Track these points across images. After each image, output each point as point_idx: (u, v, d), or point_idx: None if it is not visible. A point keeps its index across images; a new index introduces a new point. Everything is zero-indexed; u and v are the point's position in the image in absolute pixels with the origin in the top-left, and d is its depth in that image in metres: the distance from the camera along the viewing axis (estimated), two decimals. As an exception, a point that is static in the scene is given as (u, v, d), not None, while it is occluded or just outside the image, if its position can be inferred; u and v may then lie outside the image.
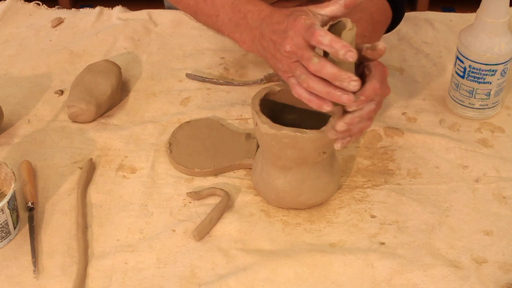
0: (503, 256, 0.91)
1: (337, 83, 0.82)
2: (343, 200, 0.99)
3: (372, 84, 0.86)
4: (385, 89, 0.90)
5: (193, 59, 1.27)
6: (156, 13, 1.39)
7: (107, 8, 1.42)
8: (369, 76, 0.87)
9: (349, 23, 0.83)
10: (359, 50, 0.87)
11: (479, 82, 1.08)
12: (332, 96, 0.84)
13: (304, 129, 0.88)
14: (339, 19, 0.86)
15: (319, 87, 0.84)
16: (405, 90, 1.19)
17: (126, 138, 1.10)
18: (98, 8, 1.41)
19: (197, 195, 0.98)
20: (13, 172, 0.94)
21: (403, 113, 1.14)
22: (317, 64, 0.82)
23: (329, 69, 0.82)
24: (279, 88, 0.96)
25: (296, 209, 0.97)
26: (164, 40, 1.32)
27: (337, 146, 0.89)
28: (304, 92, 0.86)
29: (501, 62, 1.05)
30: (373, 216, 0.96)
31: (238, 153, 1.04)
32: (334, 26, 0.87)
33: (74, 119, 1.12)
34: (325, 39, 0.81)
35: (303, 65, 0.85)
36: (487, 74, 1.06)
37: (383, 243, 0.92)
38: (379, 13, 1.08)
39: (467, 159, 1.05)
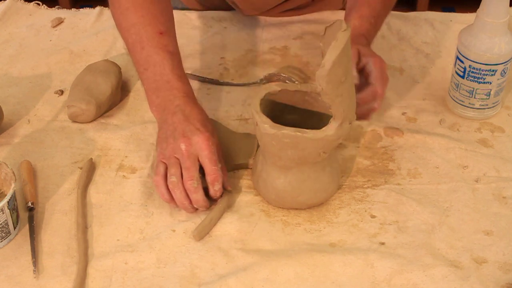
0: (503, 256, 0.91)
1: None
2: (343, 200, 0.99)
3: (373, 88, 0.97)
4: (384, 79, 0.99)
5: (193, 59, 1.27)
6: (156, 13, 1.39)
7: (107, 8, 1.41)
8: (370, 78, 0.93)
9: (343, 25, 0.83)
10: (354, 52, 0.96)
11: (479, 82, 1.08)
12: (184, 208, 0.94)
13: (305, 129, 0.88)
14: (335, 20, 0.86)
15: (178, 196, 0.93)
16: (405, 90, 1.19)
17: (126, 138, 1.10)
18: (98, 8, 1.41)
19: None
20: (13, 172, 0.94)
21: (403, 113, 1.14)
22: (192, 188, 0.92)
23: (198, 198, 0.93)
24: (279, 88, 0.96)
25: (296, 209, 0.97)
26: (164, 40, 1.32)
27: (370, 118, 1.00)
28: (164, 189, 0.94)
29: (501, 62, 1.05)
30: (373, 216, 0.96)
31: (238, 153, 1.04)
32: (330, 27, 0.87)
33: (74, 119, 1.12)
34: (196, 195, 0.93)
35: (180, 169, 0.93)
36: (487, 74, 1.06)
37: (383, 243, 0.92)
38: None
39: (467, 159, 1.05)
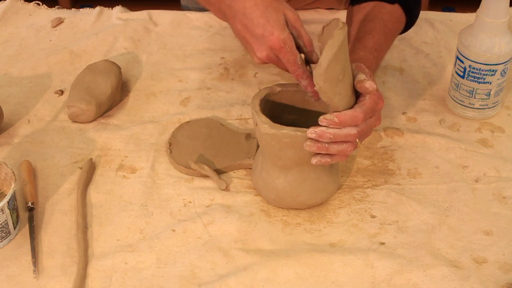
0: (503, 256, 0.91)
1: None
2: (343, 200, 0.99)
3: (354, 112, 0.87)
4: (375, 120, 0.91)
5: (193, 59, 1.27)
6: (156, 13, 1.39)
7: (107, 8, 1.42)
8: (357, 103, 0.88)
9: (340, 23, 0.84)
10: (353, 77, 0.89)
11: (479, 82, 1.08)
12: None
13: (304, 129, 0.88)
14: (332, 19, 0.87)
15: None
16: (405, 90, 1.19)
17: (126, 138, 1.10)
18: (98, 8, 1.41)
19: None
20: (13, 172, 0.94)
21: (403, 113, 1.14)
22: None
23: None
24: (279, 89, 0.96)
25: (296, 209, 0.97)
26: (164, 40, 1.32)
27: (313, 161, 0.89)
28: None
29: (501, 62, 1.05)
30: (373, 216, 0.96)
31: (238, 153, 1.04)
32: (327, 26, 0.87)
33: (74, 119, 1.12)
34: (303, 82, 0.90)
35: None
36: (487, 74, 1.06)
37: (383, 243, 0.92)
38: (392, 21, 1.08)
39: (467, 159, 1.05)
